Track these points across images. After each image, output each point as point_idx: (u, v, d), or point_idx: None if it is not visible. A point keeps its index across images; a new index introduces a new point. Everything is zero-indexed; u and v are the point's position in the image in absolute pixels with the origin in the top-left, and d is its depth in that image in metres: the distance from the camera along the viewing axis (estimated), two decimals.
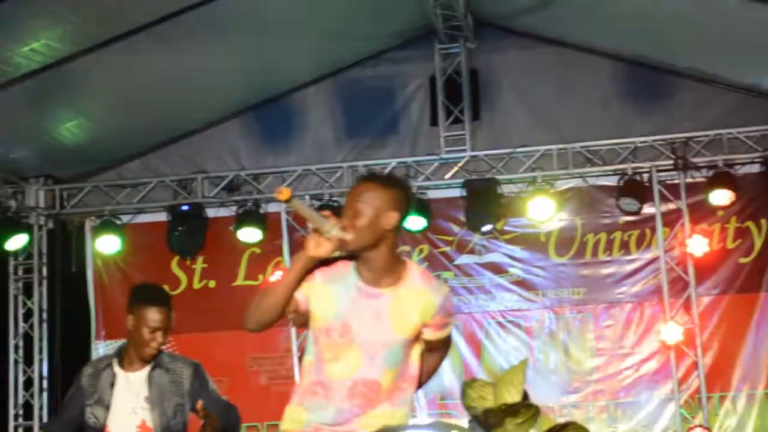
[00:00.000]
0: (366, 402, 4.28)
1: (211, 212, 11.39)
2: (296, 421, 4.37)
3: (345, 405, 4.28)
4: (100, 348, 11.42)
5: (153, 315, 5.76)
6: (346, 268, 4.32)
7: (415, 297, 4.29)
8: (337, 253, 4.25)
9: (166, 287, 6.51)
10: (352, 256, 4.30)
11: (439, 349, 4.49)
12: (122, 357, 5.89)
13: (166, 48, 9.57)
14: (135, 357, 5.84)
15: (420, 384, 4.47)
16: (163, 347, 5.87)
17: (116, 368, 5.86)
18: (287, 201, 4.12)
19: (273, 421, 10.58)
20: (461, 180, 11.03)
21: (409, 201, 4.36)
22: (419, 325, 4.31)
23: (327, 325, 4.30)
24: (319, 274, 4.29)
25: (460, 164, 11.12)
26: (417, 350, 4.40)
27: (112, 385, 5.82)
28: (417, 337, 4.36)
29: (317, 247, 4.17)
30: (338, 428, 4.30)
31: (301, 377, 4.46)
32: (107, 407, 5.79)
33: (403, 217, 4.30)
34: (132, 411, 5.80)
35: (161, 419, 5.79)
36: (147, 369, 5.84)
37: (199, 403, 5.49)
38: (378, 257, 4.27)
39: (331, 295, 4.29)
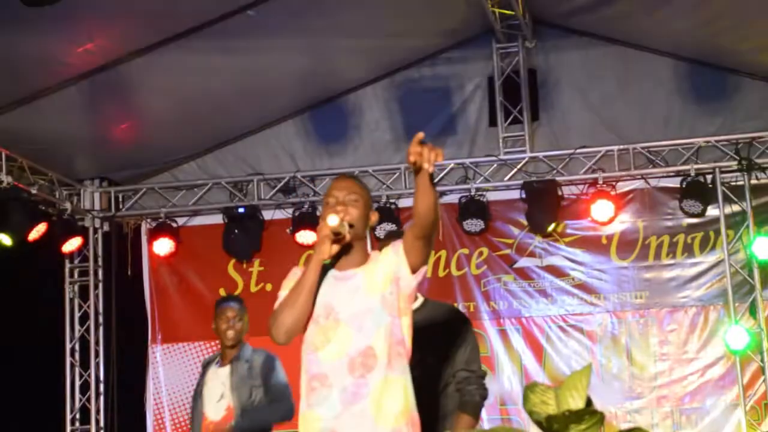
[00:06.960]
0: (366, 370, 4.41)
1: (267, 214, 11.29)
2: (311, 423, 4.47)
3: (347, 381, 4.41)
4: (157, 352, 11.40)
5: None
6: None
7: (377, 264, 4.55)
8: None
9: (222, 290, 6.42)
10: None
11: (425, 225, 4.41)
12: None
13: (220, 48, 9.53)
14: None
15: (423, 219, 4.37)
16: None
17: None
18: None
19: None
20: (520, 181, 10.85)
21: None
22: (389, 278, 4.48)
23: (314, 315, 4.50)
24: (294, 271, 4.57)
25: (519, 165, 10.95)
26: (405, 321, 4.53)
27: None
28: (397, 298, 4.49)
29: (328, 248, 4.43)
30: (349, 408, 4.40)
31: (301, 379, 4.56)
32: None
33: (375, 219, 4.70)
34: None
35: None
36: None
37: None
38: (359, 246, 4.58)
39: None
